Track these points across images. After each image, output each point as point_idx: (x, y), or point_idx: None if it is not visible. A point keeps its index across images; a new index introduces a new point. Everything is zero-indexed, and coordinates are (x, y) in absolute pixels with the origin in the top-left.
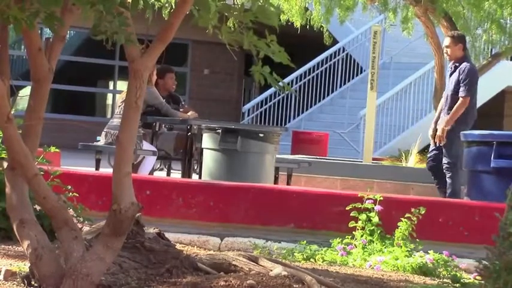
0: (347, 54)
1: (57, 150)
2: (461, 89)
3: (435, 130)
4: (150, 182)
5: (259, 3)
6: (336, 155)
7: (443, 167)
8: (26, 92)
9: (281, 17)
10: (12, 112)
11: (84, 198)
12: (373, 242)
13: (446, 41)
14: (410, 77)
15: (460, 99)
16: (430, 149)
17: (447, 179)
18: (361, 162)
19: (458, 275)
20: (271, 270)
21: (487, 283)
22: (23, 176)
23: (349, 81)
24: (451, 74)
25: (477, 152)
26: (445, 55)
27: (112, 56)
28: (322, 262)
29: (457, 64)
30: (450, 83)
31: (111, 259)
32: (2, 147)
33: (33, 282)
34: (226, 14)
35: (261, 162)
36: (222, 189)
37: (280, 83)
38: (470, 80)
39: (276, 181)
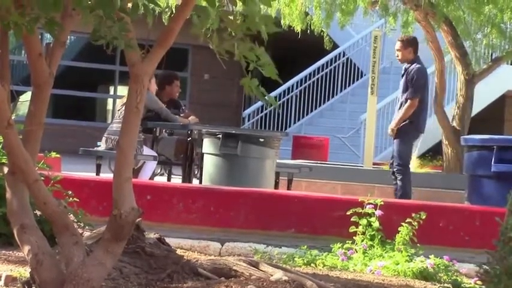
0: (347, 59)
1: (57, 155)
2: (409, 90)
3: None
4: (151, 187)
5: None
6: (336, 160)
7: (394, 169)
8: (26, 97)
9: (282, 21)
10: (12, 117)
11: (84, 203)
12: (374, 246)
13: (397, 45)
14: None
15: (408, 101)
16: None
17: (398, 182)
18: (362, 167)
19: (459, 279)
20: (272, 275)
21: None
22: (23, 181)
23: (349, 85)
24: (402, 76)
25: (478, 156)
26: (396, 58)
27: (112, 61)
28: (323, 267)
29: (407, 66)
30: (401, 85)
31: (112, 264)
32: (3, 152)
33: None
34: (224, 20)
35: (262, 167)
36: (222, 194)
37: (267, 97)
38: (417, 81)
39: (276, 186)
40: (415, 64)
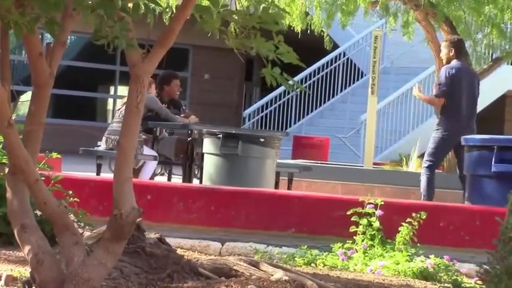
0: (348, 59)
1: (58, 156)
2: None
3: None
4: (151, 186)
5: (264, 5)
6: (336, 160)
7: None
8: (27, 97)
9: (282, 21)
10: (13, 117)
11: (85, 203)
12: (374, 246)
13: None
14: (411, 82)
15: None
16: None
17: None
18: (362, 166)
19: (459, 279)
20: (272, 275)
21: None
22: (24, 181)
23: (349, 85)
24: None
25: (478, 156)
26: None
27: (113, 61)
28: (323, 267)
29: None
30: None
31: (112, 264)
32: (3, 152)
33: None
34: (228, 19)
35: (262, 167)
36: (222, 194)
37: (291, 82)
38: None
39: (276, 186)
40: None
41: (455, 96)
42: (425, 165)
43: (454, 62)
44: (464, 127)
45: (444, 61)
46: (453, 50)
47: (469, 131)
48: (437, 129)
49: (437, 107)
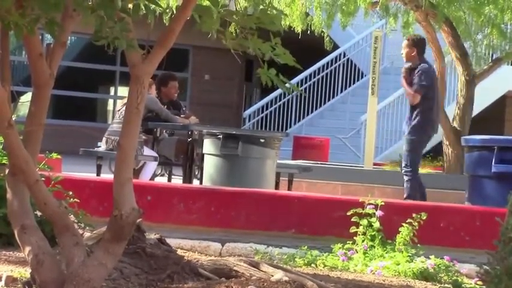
0: (348, 60)
1: (58, 156)
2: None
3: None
4: (151, 187)
5: (262, 7)
6: (337, 160)
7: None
8: (27, 97)
9: (282, 21)
10: (13, 118)
11: (85, 204)
12: (374, 247)
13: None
14: None
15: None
16: None
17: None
18: (362, 167)
19: (460, 280)
20: (273, 276)
21: None
22: (24, 181)
23: (350, 86)
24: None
25: (478, 157)
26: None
27: (113, 62)
28: (324, 267)
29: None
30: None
31: (112, 265)
32: (3, 153)
33: None
34: (228, 19)
35: (262, 168)
36: (223, 194)
37: (288, 84)
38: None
39: (277, 186)
40: (421, 64)
41: (430, 98)
42: (408, 169)
43: (425, 64)
44: (436, 127)
45: (405, 59)
46: (415, 50)
47: (436, 130)
48: (413, 131)
49: (411, 102)
